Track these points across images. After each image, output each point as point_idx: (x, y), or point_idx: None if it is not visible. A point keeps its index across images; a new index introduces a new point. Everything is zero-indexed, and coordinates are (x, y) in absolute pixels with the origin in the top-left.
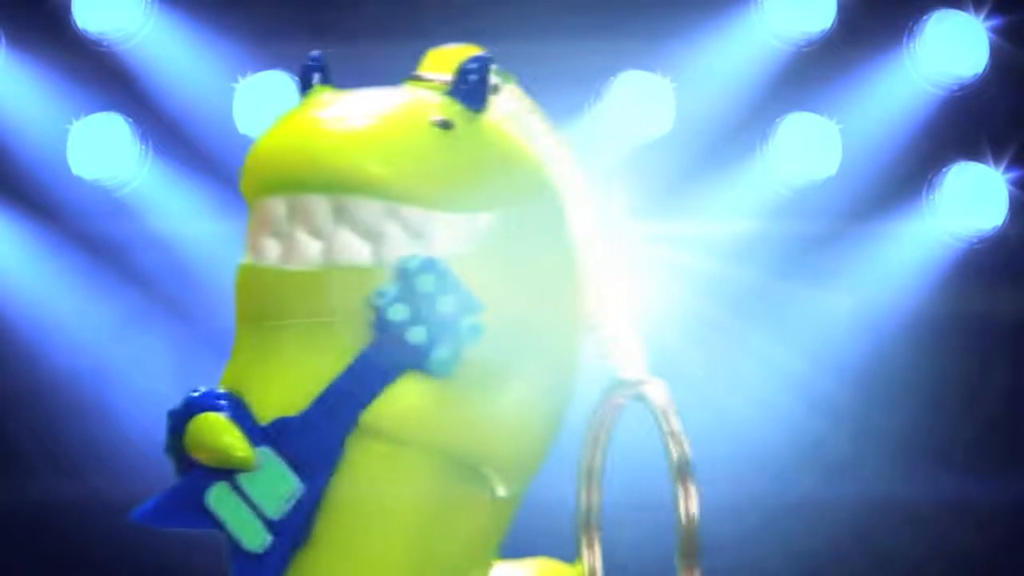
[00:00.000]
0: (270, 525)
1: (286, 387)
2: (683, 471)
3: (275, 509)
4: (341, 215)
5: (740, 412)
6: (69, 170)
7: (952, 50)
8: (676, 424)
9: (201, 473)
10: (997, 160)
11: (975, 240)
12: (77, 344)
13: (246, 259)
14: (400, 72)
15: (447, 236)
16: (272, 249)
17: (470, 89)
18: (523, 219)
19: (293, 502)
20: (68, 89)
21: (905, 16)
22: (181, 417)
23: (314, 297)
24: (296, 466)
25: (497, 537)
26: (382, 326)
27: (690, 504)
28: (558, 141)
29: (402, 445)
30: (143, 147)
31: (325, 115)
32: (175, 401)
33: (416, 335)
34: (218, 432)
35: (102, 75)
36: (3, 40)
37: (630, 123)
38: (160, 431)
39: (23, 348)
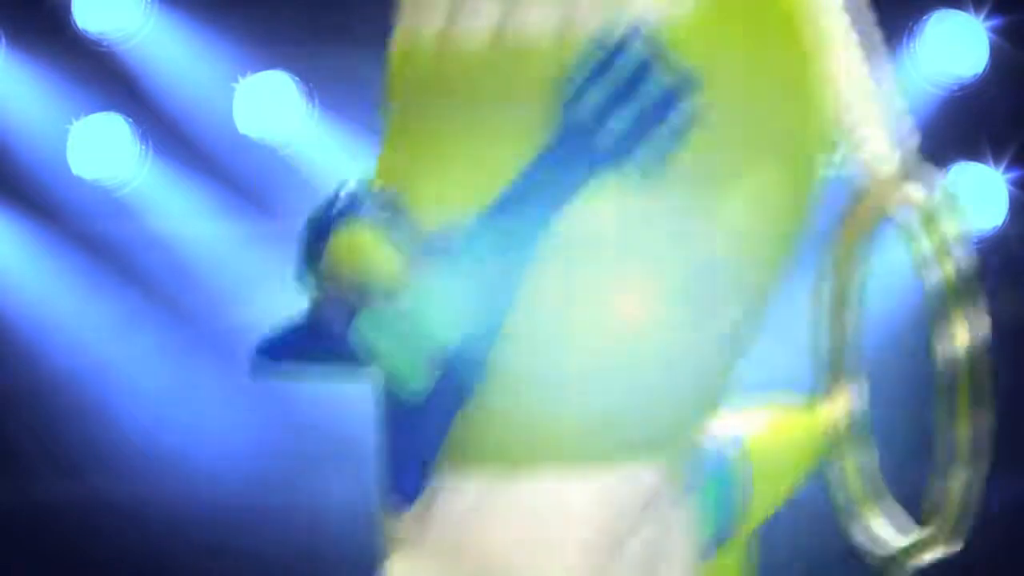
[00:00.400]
0: (436, 361)
1: (454, 186)
2: (956, 290)
3: (443, 340)
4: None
5: None
6: (69, 170)
7: (952, 50)
8: (952, 227)
9: (348, 297)
10: (997, 160)
11: (975, 240)
12: (77, 344)
13: (404, 21)
14: None
15: (654, 12)
16: (437, 11)
17: None
18: (735, 11)
19: (467, 330)
20: (68, 89)
21: (905, 16)
22: (321, 227)
23: (488, 73)
24: (470, 284)
25: (723, 378)
26: (574, 113)
27: (966, 334)
28: None
29: (602, 257)
30: (143, 147)
31: None
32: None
33: (616, 126)
34: (368, 244)
35: (102, 75)
36: (3, 40)
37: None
38: (160, 432)
39: (23, 348)
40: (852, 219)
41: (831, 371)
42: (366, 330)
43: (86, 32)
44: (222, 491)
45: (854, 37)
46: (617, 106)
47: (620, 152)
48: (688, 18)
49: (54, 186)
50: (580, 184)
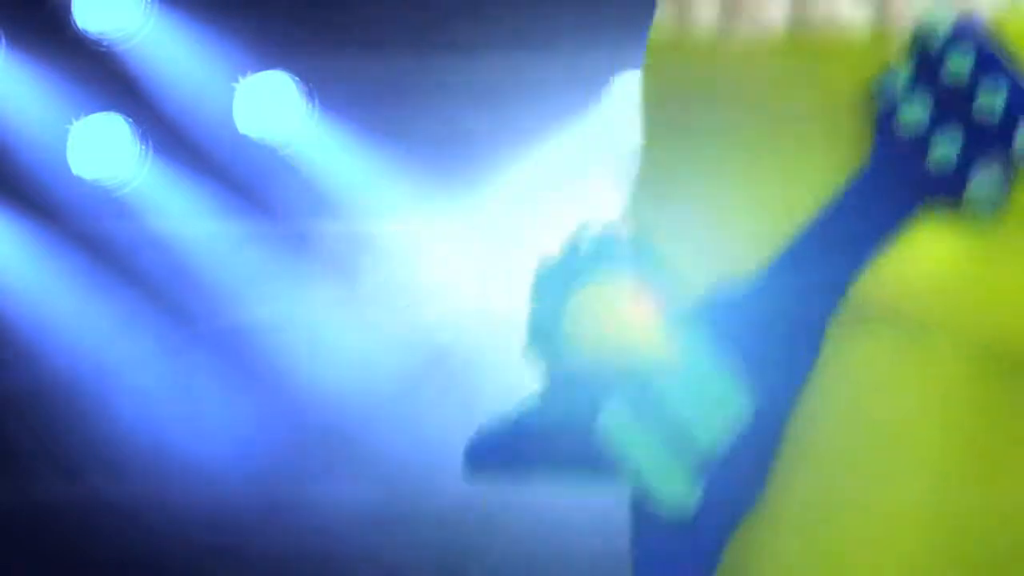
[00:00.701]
0: (701, 467)
1: (731, 231)
2: None
3: (711, 437)
4: None
5: None
6: (69, 170)
7: None
8: None
9: (591, 377)
10: None
11: None
12: (77, 344)
13: (663, 18)
14: (397, 73)
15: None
16: (706, 6)
17: None
18: None
19: (740, 427)
20: (68, 89)
21: None
22: (560, 284)
23: (773, 81)
24: (748, 368)
25: None
26: (888, 134)
27: None
28: None
29: (919, 330)
30: (143, 147)
31: None
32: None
33: (943, 149)
34: (621, 307)
35: (102, 75)
36: (3, 40)
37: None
38: (160, 432)
39: (23, 348)
40: None
41: None
42: (618, 425)
43: (86, 32)
44: (222, 491)
45: None
46: (948, 122)
47: (952, 182)
48: None
49: (54, 186)
50: (900, 224)
